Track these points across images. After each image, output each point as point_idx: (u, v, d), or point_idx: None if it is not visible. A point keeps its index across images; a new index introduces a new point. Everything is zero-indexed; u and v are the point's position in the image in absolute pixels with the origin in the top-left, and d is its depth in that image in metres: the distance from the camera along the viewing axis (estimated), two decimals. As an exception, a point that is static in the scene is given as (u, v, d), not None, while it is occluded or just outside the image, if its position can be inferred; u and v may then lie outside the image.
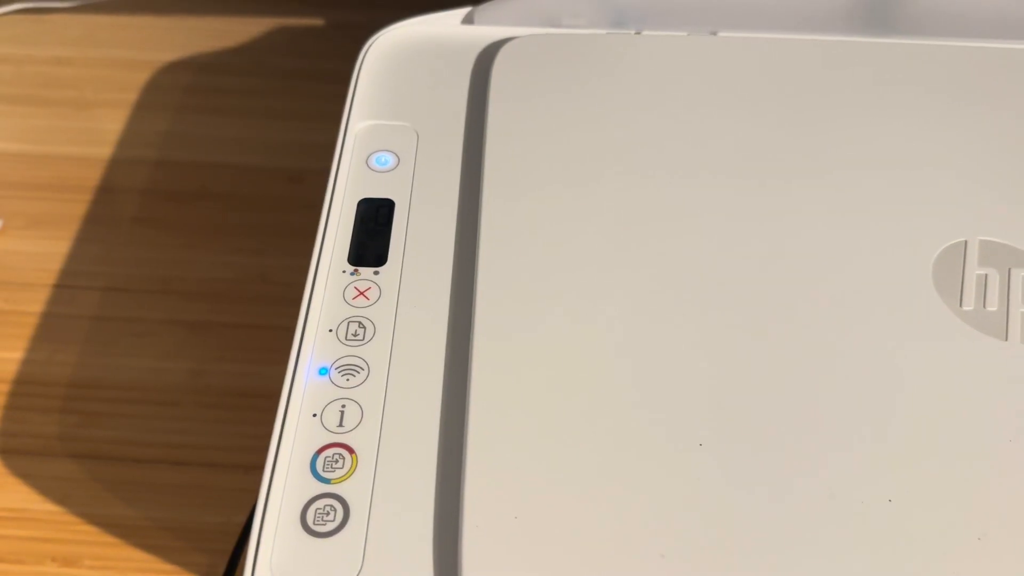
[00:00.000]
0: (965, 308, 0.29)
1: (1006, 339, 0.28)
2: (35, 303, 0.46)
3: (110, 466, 0.41)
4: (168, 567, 0.38)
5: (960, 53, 0.37)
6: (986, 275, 0.30)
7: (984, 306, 0.29)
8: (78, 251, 0.48)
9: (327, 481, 0.26)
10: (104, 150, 0.52)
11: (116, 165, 0.52)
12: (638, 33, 0.38)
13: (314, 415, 0.27)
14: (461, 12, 0.40)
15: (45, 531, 0.39)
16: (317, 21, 0.60)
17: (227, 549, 0.38)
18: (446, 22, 0.39)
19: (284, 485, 0.26)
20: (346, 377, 0.28)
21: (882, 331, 0.29)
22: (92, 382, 0.43)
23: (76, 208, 0.50)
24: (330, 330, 0.29)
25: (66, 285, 0.47)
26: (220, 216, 0.49)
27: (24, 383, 0.43)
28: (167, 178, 0.51)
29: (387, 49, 0.38)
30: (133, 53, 0.57)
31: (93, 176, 0.51)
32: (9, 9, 0.58)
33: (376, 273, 0.31)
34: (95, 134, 0.53)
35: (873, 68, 0.36)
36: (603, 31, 0.39)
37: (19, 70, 0.56)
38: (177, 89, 0.55)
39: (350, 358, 0.28)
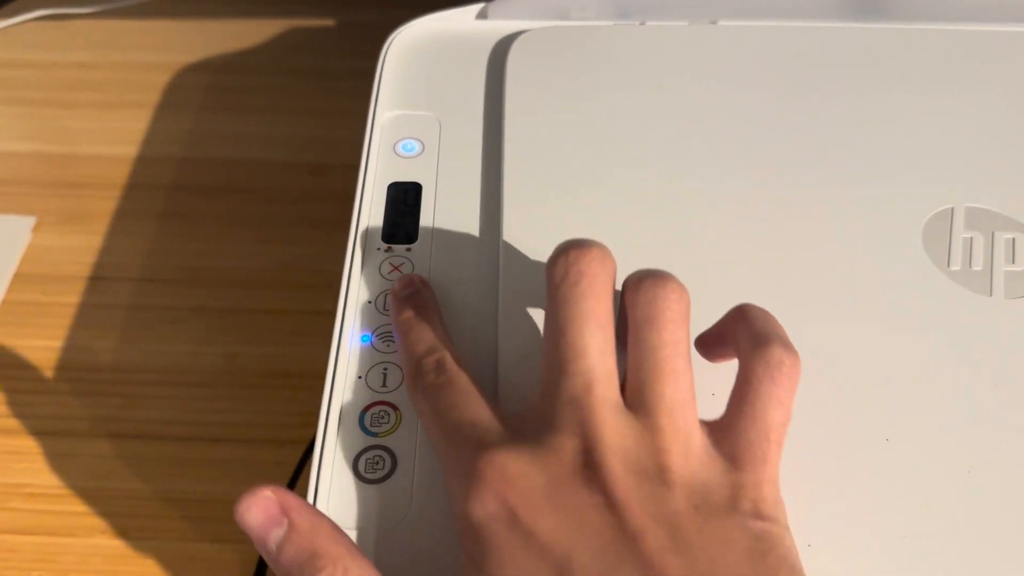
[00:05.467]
0: (952, 268, 0.32)
1: (991, 295, 0.31)
2: (72, 294, 0.48)
3: (152, 445, 0.43)
4: (209, 535, 0.41)
5: (946, 36, 0.39)
6: (972, 238, 0.32)
7: (970, 266, 0.32)
8: (110, 244, 0.50)
9: (375, 435, 0.28)
10: (130, 149, 0.55)
11: (142, 163, 0.54)
12: (642, 23, 0.41)
13: (359, 377, 0.30)
14: (475, 8, 0.42)
15: (92, 506, 0.41)
16: (329, 21, 0.62)
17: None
18: (461, 17, 0.42)
19: (336, 439, 0.28)
20: (387, 343, 0.30)
21: (876, 290, 0.31)
22: (131, 367, 0.46)
23: (106, 204, 0.52)
24: (369, 301, 0.32)
25: (100, 277, 0.49)
26: (245, 209, 0.52)
27: (66, 369, 0.46)
28: (192, 174, 0.53)
29: (407, 44, 0.40)
30: (154, 56, 0.59)
31: (121, 173, 0.53)
32: (32, 16, 0.61)
33: (408, 250, 0.33)
34: (121, 134, 0.55)
35: (865, 51, 0.39)
36: (609, 22, 0.41)
37: (45, 74, 0.59)
38: (198, 89, 0.58)
39: (390, 326, 0.31)
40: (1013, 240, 0.32)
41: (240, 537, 0.40)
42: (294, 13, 0.62)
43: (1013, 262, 0.32)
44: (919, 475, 0.27)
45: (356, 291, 0.32)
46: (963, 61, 0.39)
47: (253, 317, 0.47)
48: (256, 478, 0.42)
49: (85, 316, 0.48)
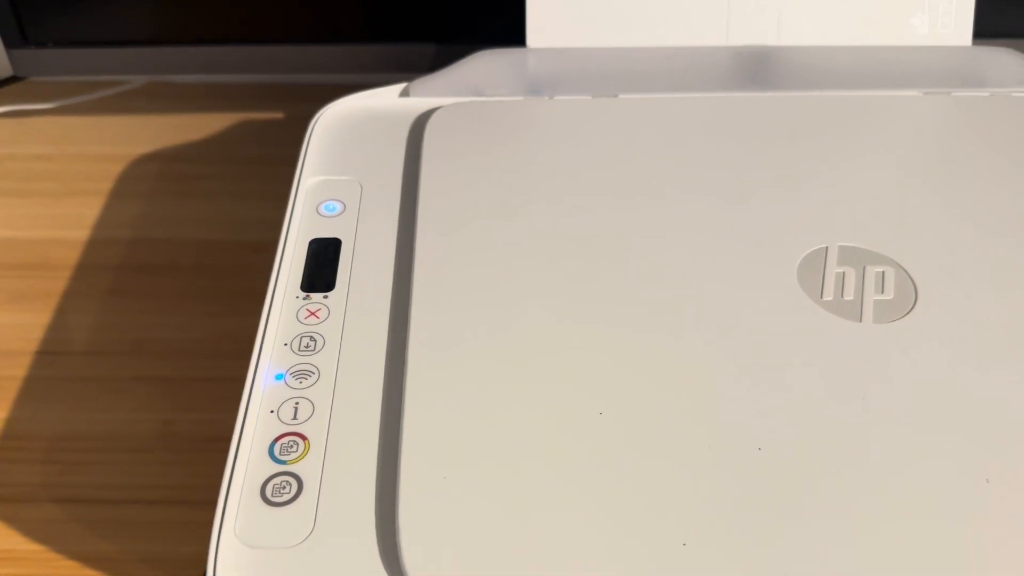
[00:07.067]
0: (825, 299, 0.34)
1: (860, 321, 0.34)
2: (19, 368, 0.50)
3: (89, 508, 0.44)
4: (147, 594, 0.41)
5: (825, 101, 0.43)
6: (844, 272, 0.35)
7: (842, 296, 0.34)
8: (57, 321, 0.52)
9: (283, 462, 0.30)
10: (82, 233, 0.57)
11: (92, 245, 0.56)
12: (551, 98, 0.45)
13: (272, 411, 0.32)
14: (399, 87, 0.46)
15: (31, 568, 0.42)
16: (278, 114, 0.66)
17: (198, 575, 0.41)
18: (386, 96, 0.45)
19: (246, 467, 0.30)
20: (299, 380, 0.32)
21: (752, 320, 0.33)
22: (72, 435, 0.47)
23: (56, 284, 0.54)
24: (285, 344, 0.34)
25: (47, 351, 0.51)
26: (189, 285, 0.54)
27: (9, 438, 0.47)
28: (139, 254, 0.56)
29: (334, 118, 0.44)
30: (108, 148, 0.63)
31: (72, 255, 0.56)
32: (-6, 114, 0.64)
33: (326, 297, 0.35)
34: (74, 219, 0.58)
35: (750, 116, 0.43)
36: (520, 98, 0.45)
37: (3, 167, 0.61)
38: (149, 178, 0.61)
39: (303, 364, 0.33)
40: (884, 273, 0.35)
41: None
42: (243, 107, 0.66)
43: (883, 292, 0.34)
44: (791, 499, 0.28)
45: (273, 335, 0.34)
46: (833, 120, 0.42)
47: (191, 385, 0.49)
48: (190, 538, 0.43)
49: (31, 388, 0.49)
